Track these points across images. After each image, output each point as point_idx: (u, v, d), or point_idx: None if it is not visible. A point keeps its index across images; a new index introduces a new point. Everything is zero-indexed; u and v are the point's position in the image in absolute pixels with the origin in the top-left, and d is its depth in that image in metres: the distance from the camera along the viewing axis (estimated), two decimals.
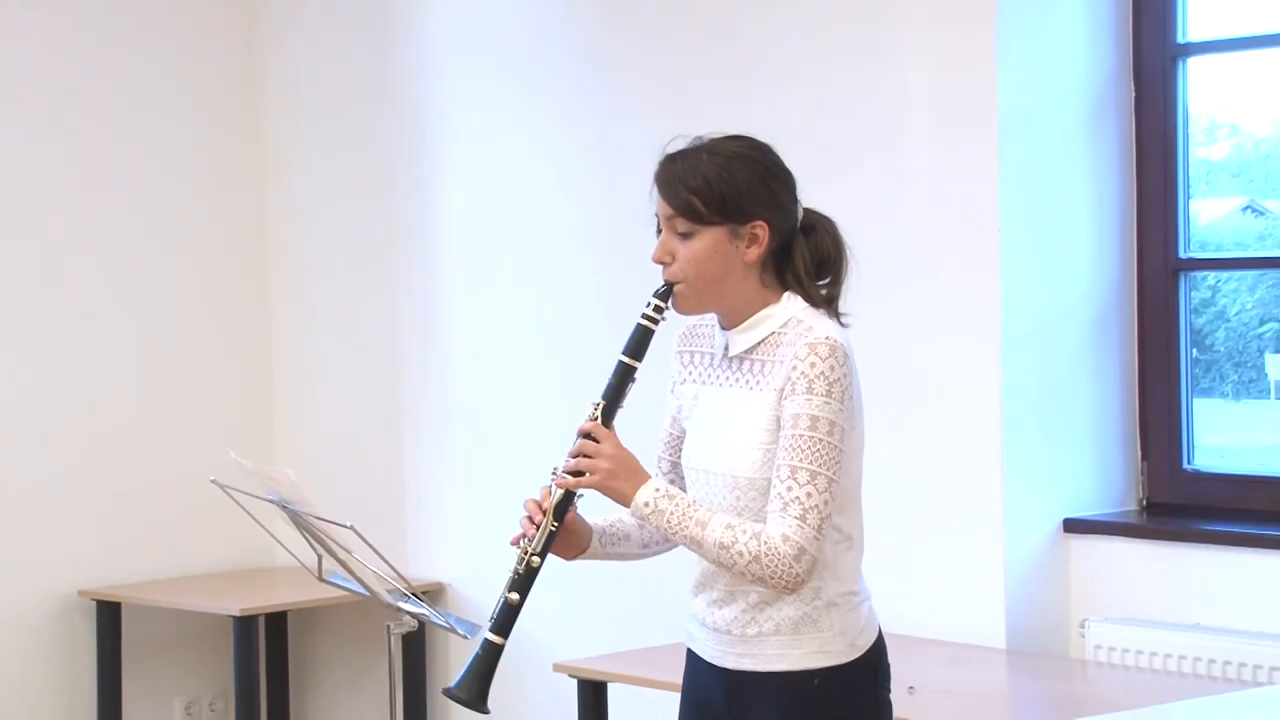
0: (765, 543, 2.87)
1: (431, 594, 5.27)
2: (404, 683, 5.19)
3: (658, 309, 2.99)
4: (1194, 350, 4.43)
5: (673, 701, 3.21)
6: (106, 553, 5.51)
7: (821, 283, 3.05)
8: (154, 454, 5.58)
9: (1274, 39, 4.33)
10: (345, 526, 3.40)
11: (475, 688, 2.98)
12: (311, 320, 5.74)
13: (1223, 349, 4.50)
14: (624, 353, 3.00)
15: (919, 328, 4.40)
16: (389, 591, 3.55)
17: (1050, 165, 4.35)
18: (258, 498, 3.62)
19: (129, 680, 5.47)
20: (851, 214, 4.40)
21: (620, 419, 2.99)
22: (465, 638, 3.56)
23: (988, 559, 4.27)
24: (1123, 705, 3.55)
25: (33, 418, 5.41)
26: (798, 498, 2.88)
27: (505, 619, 2.98)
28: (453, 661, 5.39)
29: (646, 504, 2.93)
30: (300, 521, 3.57)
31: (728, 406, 3.02)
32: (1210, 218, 4.52)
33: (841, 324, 3.04)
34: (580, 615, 4.88)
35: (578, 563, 3.16)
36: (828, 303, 3.05)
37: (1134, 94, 4.40)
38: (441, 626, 3.57)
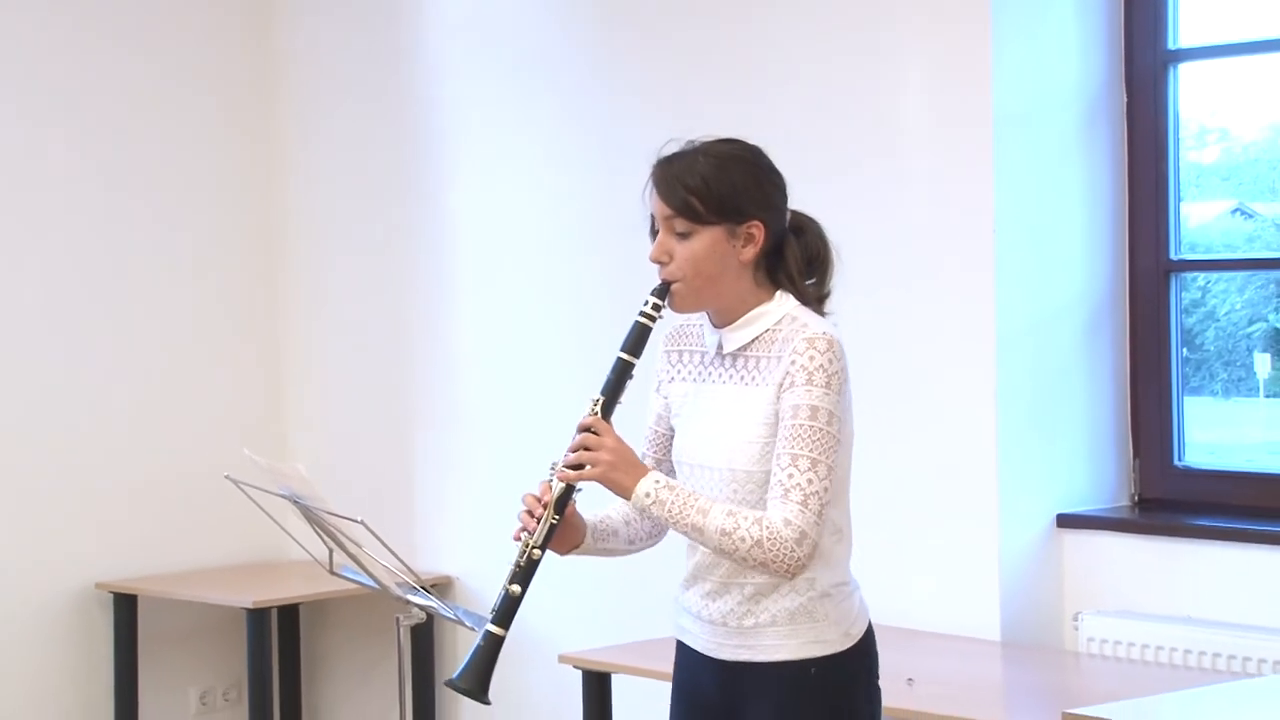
0: (767, 528, 2.88)
1: (440, 587, 5.27)
2: (413, 673, 5.17)
3: (655, 307, 3.00)
4: (1185, 349, 4.43)
5: None
6: (123, 547, 5.50)
7: (810, 282, 3.07)
8: (169, 451, 5.58)
9: (1263, 45, 4.32)
10: (355, 521, 3.40)
11: (476, 678, 2.98)
12: (321, 320, 5.73)
13: (1212, 348, 4.50)
14: (622, 349, 3.00)
15: (916, 326, 4.39)
16: (398, 585, 3.54)
17: (1045, 168, 4.35)
18: (270, 493, 3.62)
19: (145, 670, 5.47)
20: (850, 214, 4.44)
21: (617, 414, 2.99)
22: (473, 630, 3.55)
23: (983, 553, 4.26)
24: (1115, 696, 3.54)
25: (52, 417, 5.40)
26: (799, 484, 2.89)
27: (507, 610, 2.98)
28: (460, 653, 5.37)
29: (647, 494, 2.94)
30: (312, 516, 3.56)
31: (723, 402, 3.02)
32: (1200, 220, 4.51)
33: (825, 315, 3.05)
34: (585, 608, 4.87)
35: (578, 558, 3.16)
36: (817, 301, 3.07)
37: (1126, 99, 4.40)
38: (449, 619, 3.56)
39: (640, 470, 2.95)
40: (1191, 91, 4.37)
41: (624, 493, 2.96)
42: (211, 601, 5.34)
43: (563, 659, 4.41)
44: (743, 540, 2.88)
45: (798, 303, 3.02)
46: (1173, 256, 4.38)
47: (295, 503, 3.58)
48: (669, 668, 3.18)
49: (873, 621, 4.24)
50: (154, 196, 5.58)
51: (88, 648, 5.45)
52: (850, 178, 4.46)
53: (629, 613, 4.73)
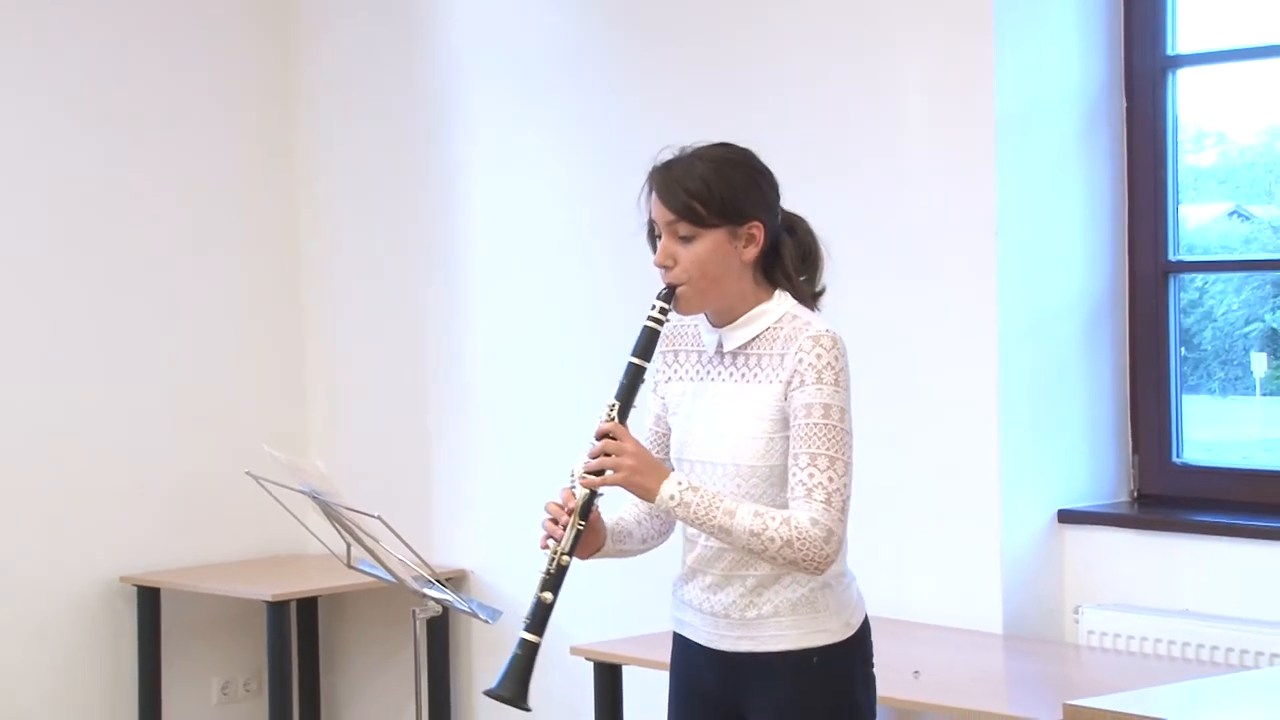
0: (796, 527, 2.89)
1: (455, 581, 5.26)
2: (428, 665, 5.16)
3: (663, 311, 3.00)
4: (1183, 349, 4.42)
5: None
6: (147, 541, 5.51)
7: (802, 278, 3.07)
8: (192, 448, 5.58)
9: (1259, 51, 4.32)
10: (373, 516, 3.39)
11: (516, 686, 2.97)
12: (341, 321, 5.73)
13: (1210, 348, 4.49)
14: (633, 354, 3.00)
15: (919, 325, 4.38)
16: (414, 578, 3.54)
17: (1046, 171, 4.33)
18: (290, 489, 3.62)
19: (168, 661, 5.48)
20: (856, 215, 4.44)
21: (631, 417, 2.98)
22: (487, 622, 3.55)
23: (985, 548, 4.25)
24: (1114, 687, 3.52)
25: (80, 416, 5.41)
26: (820, 483, 2.90)
27: (540, 618, 2.97)
28: (475, 645, 5.38)
29: (672, 496, 2.93)
30: (330, 511, 3.56)
31: (725, 400, 3.02)
32: (1198, 222, 4.50)
33: (819, 311, 3.06)
34: (596, 602, 4.87)
35: (593, 560, 3.16)
36: (811, 298, 3.08)
37: (1125, 104, 4.39)
38: (464, 612, 3.56)
39: (662, 473, 2.95)
40: (1190, 96, 4.36)
41: (648, 496, 2.95)
42: (232, 594, 5.34)
43: (575, 651, 4.41)
44: (772, 540, 2.89)
45: (795, 301, 3.02)
46: (1171, 258, 4.37)
47: (314, 498, 3.58)
48: None
49: (878, 615, 4.24)
50: (182, 201, 5.58)
51: (113, 639, 5.45)
52: (855, 179, 4.46)
53: (639, 606, 4.72)
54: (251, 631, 5.57)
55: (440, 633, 5.27)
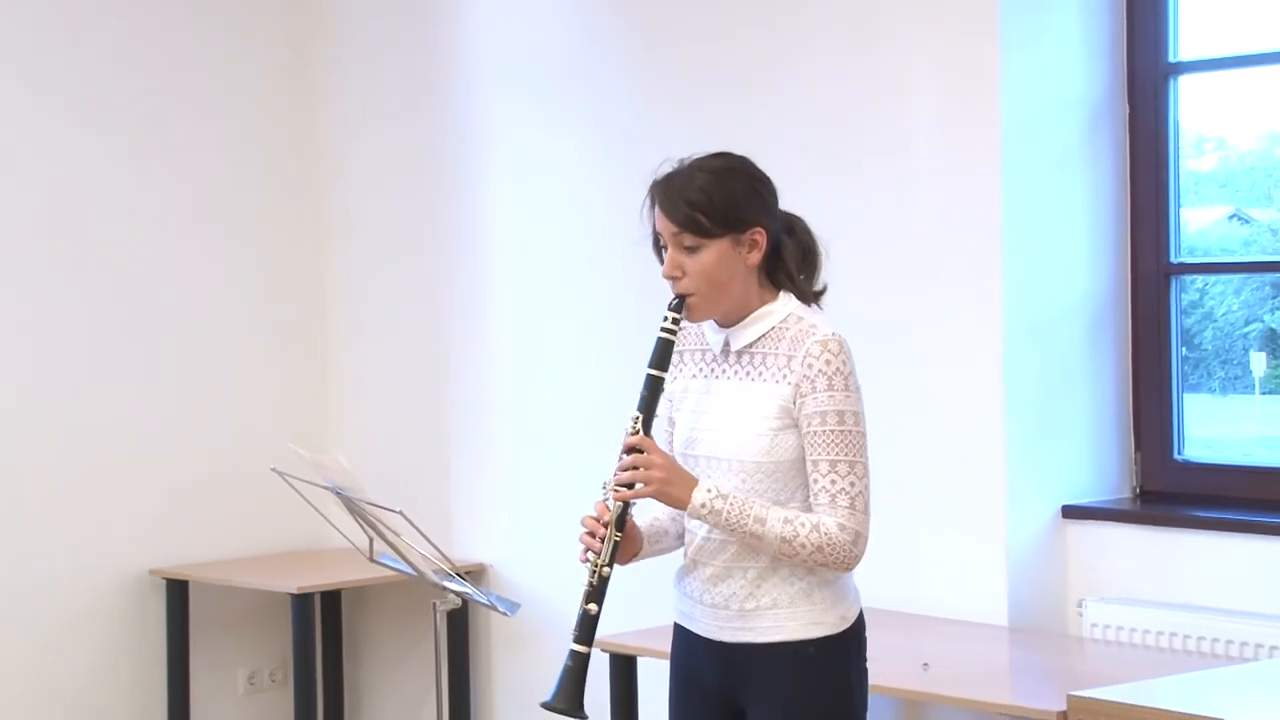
0: (825, 534, 2.93)
1: (474, 574, 5.25)
2: (448, 656, 5.16)
3: (674, 321, 3.01)
4: (1184, 349, 4.40)
5: None
6: (175, 535, 5.51)
7: (802, 277, 3.08)
8: (219, 444, 5.58)
9: (1259, 58, 4.30)
10: (394, 511, 3.39)
11: (571, 698, 2.99)
12: (363, 322, 5.73)
13: (1210, 347, 4.47)
14: (650, 366, 3.02)
15: (926, 326, 4.37)
16: (434, 572, 3.53)
17: (1049, 175, 4.32)
18: (314, 485, 3.61)
19: (196, 652, 5.47)
20: (864, 217, 4.43)
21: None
22: (505, 614, 3.55)
23: (991, 543, 4.24)
24: (1117, 679, 3.52)
25: (111, 414, 5.41)
26: (843, 489, 2.94)
27: (587, 629, 3.01)
28: (494, 637, 5.37)
29: (703, 505, 2.95)
30: (353, 507, 3.56)
31: (730, 398, 3.03)
32: (1199, 225, 4.48)
33: (822, 310, 3.08)
34: (612, 595, 4.85)
35: (632, 564, 3.17)
36: (815, 297, 3.09)
37: (1128, 109, 4.37)
38: (483, 604, 3.55)
39: (691, 482, 2.97)
40: (1191, 102, 4.35)
41: (679, 505, 2.98)
42: (258, 587, 5.34)
43: None
44: (803, 547, 2.93)
45: (799, 302, 3.03)
46: (1172, 260, 4.35)
47: (337, 494, 3.57)
48: None
49: (888, 608, 4.23)
50: (208, 202, 5.58)
51: (142, 630, 5.45)
52: (863, 182, 4.45)
53: (654, 599, 4.71)
54: (277, 623, 5.56)
55: (460, 624, 5.27)
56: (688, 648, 3.13)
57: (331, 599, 5.61)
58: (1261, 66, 4.31)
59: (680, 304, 3.00)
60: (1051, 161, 4.32)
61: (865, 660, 3.10)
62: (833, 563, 2.94)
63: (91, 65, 5.37)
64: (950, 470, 4.32)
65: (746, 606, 3.00)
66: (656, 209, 3.02)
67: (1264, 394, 4.43)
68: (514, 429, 5.31)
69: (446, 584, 3.53)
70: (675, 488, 2.95)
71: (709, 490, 2.94)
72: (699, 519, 2.97)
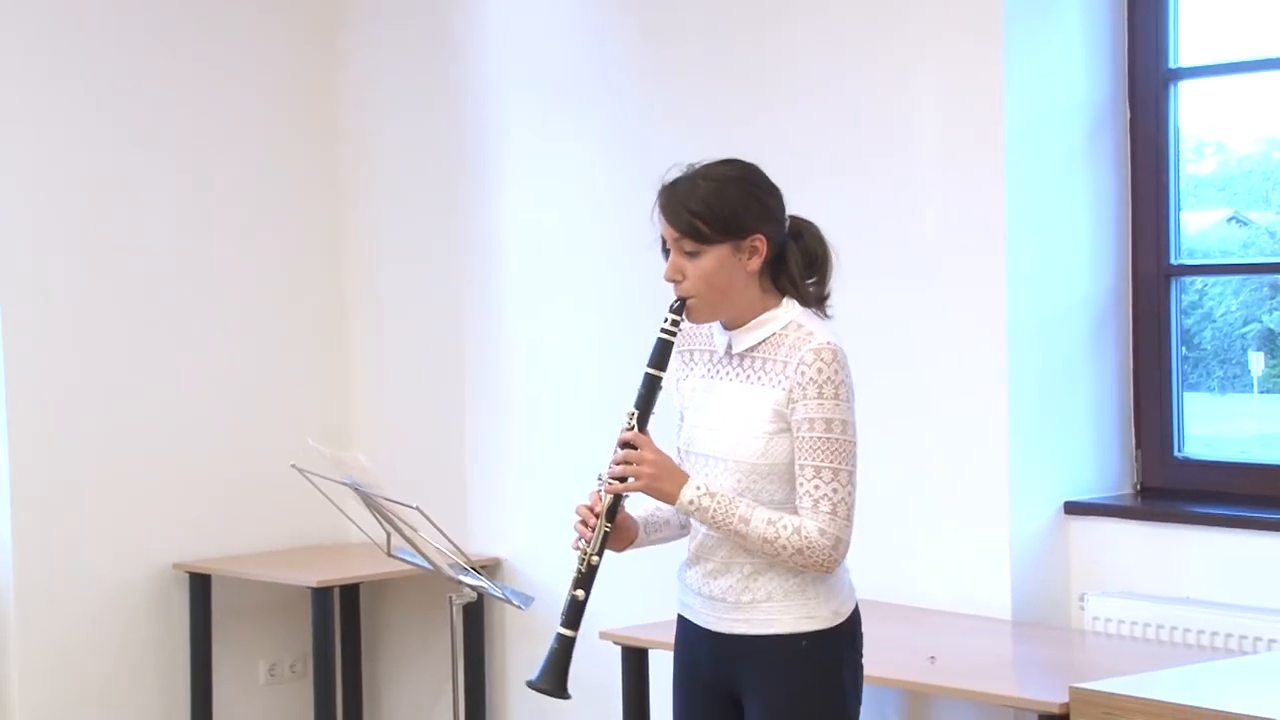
0: (805, 537, 2.94)
1: (489, 568, 5.25)
2: (464, 648, 5.16)
3: (675, 322, 3.03)
4: (1183, 348, 4.39)
5: None
6: (198, 530, 5.51)
7: (810, 281, 3.08)
8: (241, 442, 5.58)
9: (1257, 65, 4.28)
10: (412, 507, 3.39)
11: (555, 678, 3.02)
12: (381, 322, 5.73)
13: (1209, 347, 4.46)
14: (649, 365, 3.04)
15: (932, 327, 4.36)
16: (451, 566, 3.53)
17: (1053, 179, 4.31)
18: (333, 481, 3.61)
19: (218, 644, 5.48)
20: (872, 220, 4.42)
21: (652, 423, 3.01)
22: (520, 608, 3.54)
23: (995, 538, 4.23)
24: (1118, 671, 3.51)
25: (135, 412, 5.41)
26: (826, 494, 2.94)
27: (574, 614, 3.02)
28: (509, 630, 5.37)
29: (691, 502, 2.97)
30: (371, 502, 3.55)
31: (731, 399, 3.04)
32: (1198, 228, 4.47)
33: (828, 316, 3.08)
34: (624, 589, 4.84)
35: (629, 551, 3.18)
36: (818, 301, 3.09)
37: (1129, 114, 4.36)
38: (499, 598, 3.55)
39: (681, 478, 2.99)
40: (1190, 107, 4.33)
41: (668, 500, 3.00)
42: (279, 581, 5.34)
43: (603, 636, 4.39)
44: (784, 548, 2.95)
45: (802, 308, 3.04)
46: (1172, 261, 4.34)
47: (356, 490, 3.57)
48: None
49: (894, 602, 4.22)
50: (233, 207, 5.58)
51: (166, 623, 5.46)
52: (872, 185, 4.44)
53: (665, 593, 4.71)
54: (297, 616, 5.56)
55: (476, 618, 5.26)
56: (688, 638, 3.16)
57: (350, 593, 5.61)
58: (1260, 72, 4.30)
59: (681, 306, 3.03)
60: (1054, 165, 4.31)
61: (860, 654, 3.11)
62: (812, 565, 2.95)
63: (123, 75, 5.37)
64: (955, 467, 4.32)
65: (742, 599, 3.03)
66: (660, 214, 3.04)
67: (1262, 393, 4.42)
68: (528, 427, 5.31)
69: (462, 578, 3.53)
70: (665, 483, 2.98)
71: (698, 488, 2.97)
72: (686, 514, 3.00)
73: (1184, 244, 4.37)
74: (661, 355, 3.03)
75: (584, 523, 3.03)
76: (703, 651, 3.11)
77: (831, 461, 2.93)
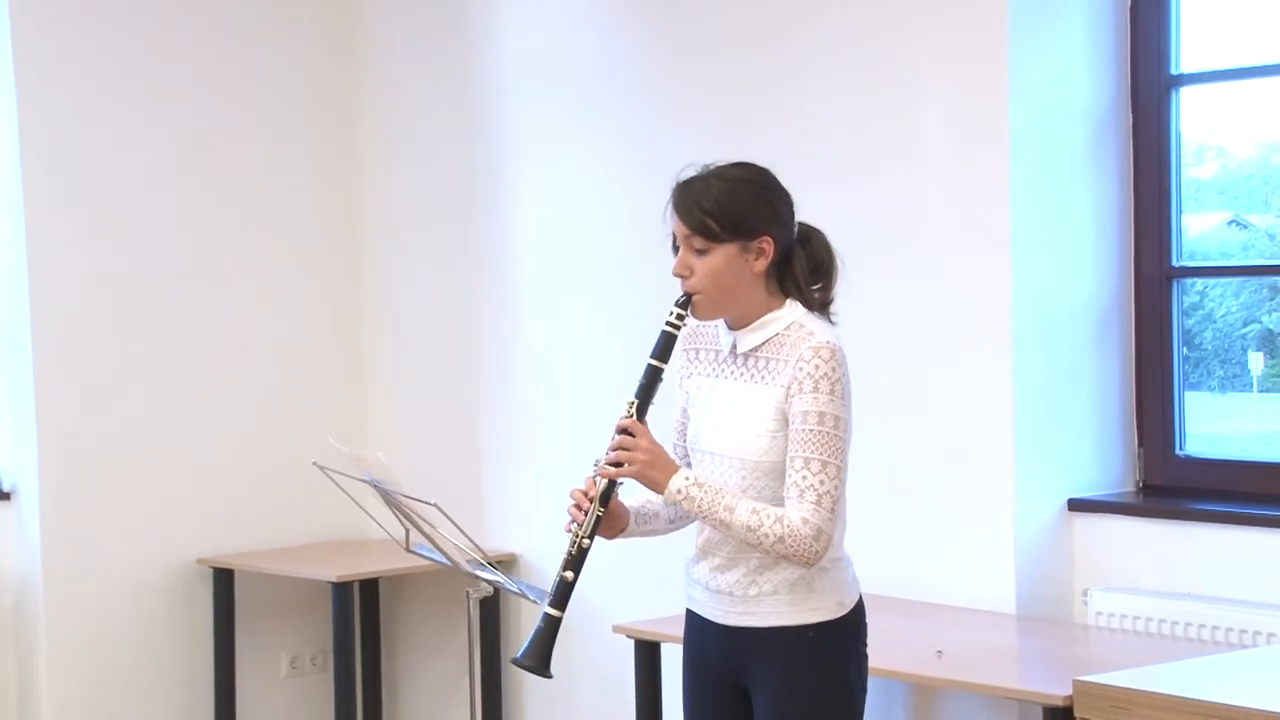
0: (788, 526, 2.93)
1: (505, 564, 5.24)
2: (481, 641, 5.16)
3: (679, 316, 3.04)
4: (1185, 348, 4.37)
5: None
6: (221, 526, 5.51)
7: (815, 287, 3.09)
8: (263, 439, 5.59)
9: (1257, 71, 4.27)
10: (429, 504, 3.39)
11: (539, 656, 3.03)
12: (399, 323, 5.73)
13: (1210, 347, 4.44)
14: (652, 356, 3.05)
15: (938, 328, 4.35)
16: (468, 561, 3.53)
17: (1057, 182, 4.30)
18: (353, 478, 3.61)
19: (241, 637, 5.48)
20: (880, 223, 4.42)
21: (651, 414, 3.02)
22: (535, 602, 3.53)
23: (1000, 534, 4.22)
24: (1121, 665, 3.50)
25: (160, 411, 5.42)
26: (812, 485, 2.94)
27: (562, 594, 3.03)
28: (524, 623, 5.36)
29: (679, 491, 2.98)
30: (390, 499, 3.55)
31: (735, 398, 3.05)
32: (1199, 230, 4.46)
33: (832, 322, 3.08)
34: (636, 583, 4.85)
35: (626, 541, 3.20)
36: (822, 306, 3.09)
37: (1132, 119, 4.34)
38: (514, 593, 3.55)
39: (672, 468, 3.00)
40: (1191, 112, 4.32)
41: (657, 488, 3.00)
42: (300, 576, 5.34)
43: (616, 629, 4.39)
44: (766, 536, 2.94)
45: (805, 310, 3.04)
46: (1174, 263, 4.33)
47: (375, 487, 3.57)
48: None
49: (902, 597, 4.21)
50: (253, 209, 5.59)
51: (190, 617, 5.46)
52: (881, 189, 4.43)
53: (677, 587, 4.71)
54: (318, 610, 5.57)
55: (492, 612, 5.26)
56: (697, 631, 3.16)
57: (370, 587, 5.61)
58: (1259, 79, 4.29)
59: (687, 301, 3.04)
60: (1059, 170, 4.30)
61: (864, 645, 3.11)
62: (793, 555, 2.94)
63: (152, 80, 5.37)
64: (961, 465, 4.30)
65: (749, 593, 3.03)
66: (673, 211, 3.05)
67: (1261, 392, 4.41)
68: (542, 426, 5.31)
69: (479, 573, 3.52)
70: (656, 471, 2.98)
71: (686, 478, 2.98)
72: (674, 504, 3.00)
73: (1185, 246, 4.36)
74: (664, 347, 3.04)
75: (577, 506, 3.04)
76: (711, 644, 3.12)
77: (821, 454, 2.93)
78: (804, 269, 3.06)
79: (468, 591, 3.57)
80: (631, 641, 4.34)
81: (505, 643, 5.38)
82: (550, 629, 3.01)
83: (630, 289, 5.01)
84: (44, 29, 5.21)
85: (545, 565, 5.27)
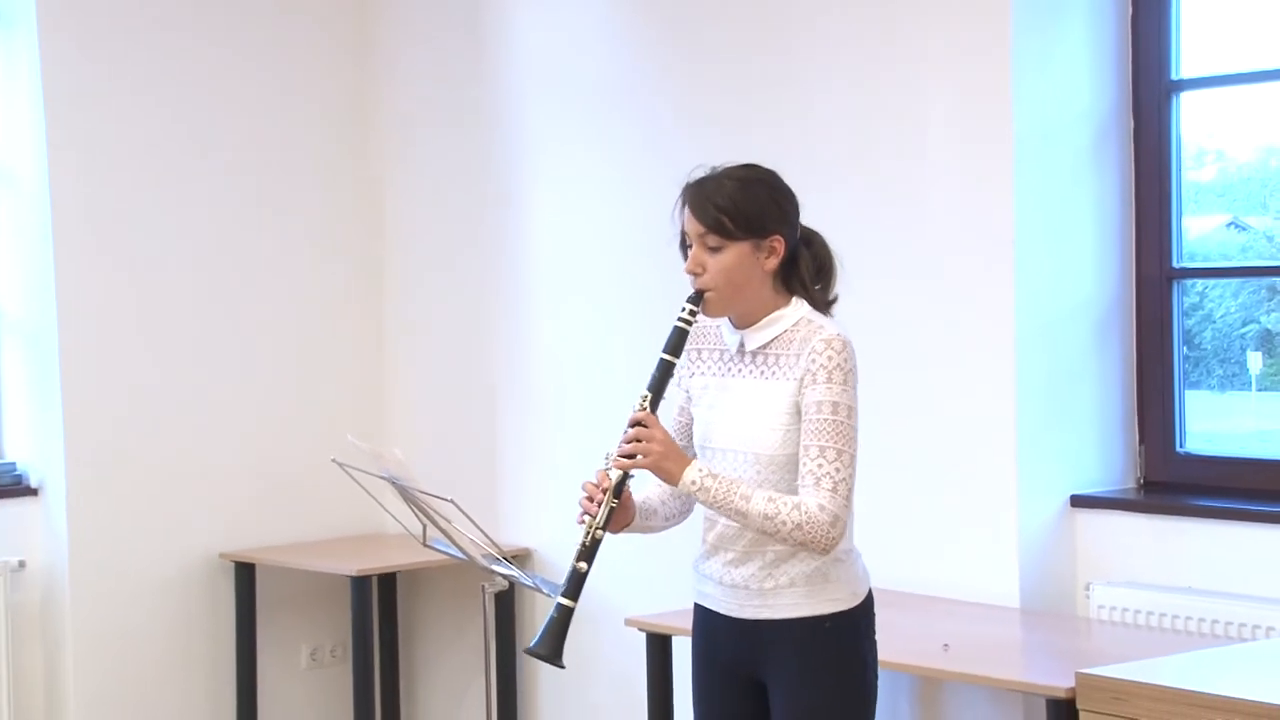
0: (805, 512, 2.92)
1: (520, 558, 5.24)
2: (496, 634, 5.15)
3: (691, 313, 3.04)
4: (1185, 348, 4.36)
5: None
6: (243, 521, 5.51)
7: (817, 286, 3.10)
8: (283, 436, 5.59)
9: (1256, 76, 4.26)
10: (446, 500, 3.38)
11: (552, 645, 3.00)
12: (416, 322, 5.73)
13: (1210, 347, 4.43)
14: (664, 351, 3.04)
15: (943, 326, 4.34)
16: (483, 556, 3.53)
17: (1059, 186, 4.29)
18: (371, 475, 3.61)
19: (262, 629, 5.48)
20: (886, 226, 4.41)
21: (661, 408, 3.02)
22: (549, 596, 3.53)
23: (1004, 530, 4.21)
24: (1123, 658, 3.50)
25: (183, 408, 5.42)
26: (828, 473, 2.93)
27: (575, 584, 3.01)
28: (539, 616, 5.35)
29: (694, 482, 2.97)
30: (407, 495, 3.55)
31: (745, 394, 3.05)
32: (1199, 232, 4.45)
33: (834, 319, 3.08)
34: (648, 576, 4.84)
35: (629, 534, 3.18)
36: (825, 305, 3.10)
37: (1133, 123, 4.33)
38: (529, 587, 3.54)
39: (685, 460, 2.99)
40: (1191, 117, 4.31)
41: (672, 480, 2.99)
42: (320, 570, 5.34)
43: (629, 622, 4.39)
44: (784, 524, 2.92)
45: (810, 307, 3.05)
46: (1174, 265, 4.32)
47: (393, 483, 3.57)
48: None
49: (907, 591, 4.21)
50: (273, 211, 5.59)
51: (213, 610, 5.47)
52: (886, 191, 4.42)
53: (688, 581, 4.70)
54: (337, 603, 5.57)
55: (507, 606, 5.26)
56: (707, 625, 3.15)
57: (388, 581, 5.61)
58: (1258, 84, 4.28)
59: (699, 298, 3.04)
60: (1061, 173, 4.29)
61: (875, 633, 3.12)
62: (810, 542, 2.93)
63: (176, 83, 5.38)
64: (966, 463, 4.30)
65: (765, 586, 3.03)
66: (686, 209, 3.05)
67: (1260, 391, 4.40)
68: (556, 423, 5.30)
69: (494, 567, 3.52)
70: (670, 463, 2.97)
71: (700, 469, 2.97)
72: (688, 494, 2.99)
73: (1185, 248, 4.35)
74: (677, 342, 3.04)
75: (590, 498, 3.03)
76: (723, 637, 3.11)
77: (835, 443, 2.93)
78: (809, 268, 3.07)
79: (483, 585, 3.57)
80: (643, 635, 4.33)
81: (520, 636, 5.38)
82: (563, 619, 3.00)
83: (640, 289, 5.01)
84: (70, 33, 5.21)
85: (559, 560, 5.26)
